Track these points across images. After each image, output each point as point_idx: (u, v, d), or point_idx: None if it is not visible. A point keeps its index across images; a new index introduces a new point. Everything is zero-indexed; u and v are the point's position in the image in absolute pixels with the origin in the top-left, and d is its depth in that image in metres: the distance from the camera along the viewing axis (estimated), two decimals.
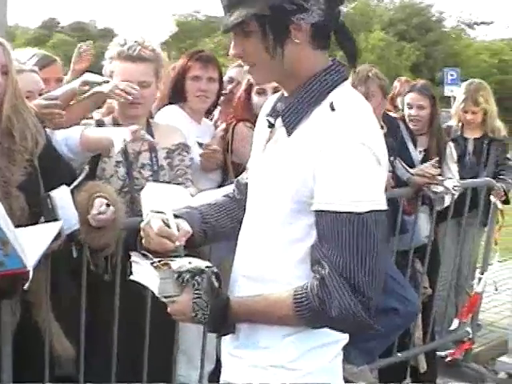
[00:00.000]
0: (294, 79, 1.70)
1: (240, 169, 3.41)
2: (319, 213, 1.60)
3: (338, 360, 1.81)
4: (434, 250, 4.24)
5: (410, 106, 4.52)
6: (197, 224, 1.89)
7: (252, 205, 1.83)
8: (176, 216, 1.82)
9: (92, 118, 3.22)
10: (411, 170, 3.94)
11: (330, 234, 1.58)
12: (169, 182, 2.98)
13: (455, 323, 4.57)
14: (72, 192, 2.49)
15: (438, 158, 4.06)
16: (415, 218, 3.97)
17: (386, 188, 1.78)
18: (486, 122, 4.90)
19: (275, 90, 3.27)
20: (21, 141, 2.49)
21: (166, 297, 1.71)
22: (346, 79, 1.71)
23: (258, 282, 1.74)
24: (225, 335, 1.81)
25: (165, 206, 1.84)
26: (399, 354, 4.07)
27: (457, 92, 6.03)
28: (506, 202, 4.58)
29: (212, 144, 3.48)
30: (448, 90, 22.56)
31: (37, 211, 2.44)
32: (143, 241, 1.82)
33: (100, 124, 3.10)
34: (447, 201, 4.10)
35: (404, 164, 3.96)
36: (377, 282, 1.58)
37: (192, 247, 1.84)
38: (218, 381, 1.93)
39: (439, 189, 3.88)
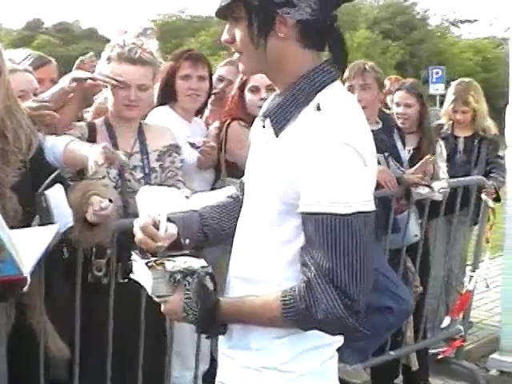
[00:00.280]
0: (282, 76, 1.70)
1: (233, 167, 3.41)
2: (304, 215, 1.58)
3: (331, 362, 1.79)
4: (425, 249, 4.24)
5: (398, 104, 4.53)
6: (196, 226, 1.89)
7: (246, 206, 1.83)
8: (169, 220, 1.83)
9: (85, 119, 3.19)
10: (408, 171, 3.93)
11: (316, 236, 1.56)
12: (160, 185, 2.96)
13: (446, 321, 4.56)
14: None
15: (432, 155, 4.05)
16: (408, 216, 3.96)
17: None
18: (476, 121, 4.92)
19: (268, 88, 3.28)
20: (14, 142, 2.47)
21: (158, 296, 1.72)
22: (335, 79, 1.69)
23: (251, 284, 1.73)
24: (215, 336, 1.81)
25: (160, 209, 1.85)
26: (392, 353, 4.07)
27: (442, 90, 6.07)
28: (497, 199, 4.58)
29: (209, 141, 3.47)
30: (433, 89, 22.72)
31: (30, 211, 2.42)
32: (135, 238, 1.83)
33: (91, 126, 3.07)
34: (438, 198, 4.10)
35: (395, 162, 3.97)
36: (364, 284, 1.55)
37: (179, 250, 1.82)
38: (213, 381, 1.92)
39: (425, 190, 3.87)
